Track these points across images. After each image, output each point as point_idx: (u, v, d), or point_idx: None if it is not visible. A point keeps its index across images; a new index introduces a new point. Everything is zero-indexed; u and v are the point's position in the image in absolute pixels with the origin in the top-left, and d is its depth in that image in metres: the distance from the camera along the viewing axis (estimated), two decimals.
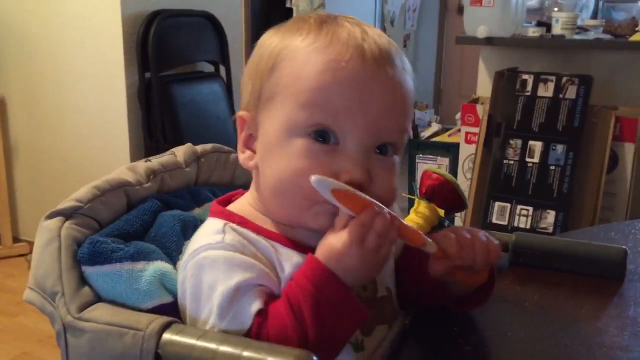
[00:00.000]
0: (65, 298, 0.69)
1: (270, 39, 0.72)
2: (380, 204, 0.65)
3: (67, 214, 0.74)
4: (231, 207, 0.76)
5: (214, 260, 0.67)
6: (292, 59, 0.69)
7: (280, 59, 0.69)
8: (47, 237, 0.72)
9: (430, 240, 0.69)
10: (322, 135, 0.67)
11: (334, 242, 0.65)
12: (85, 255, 0.70)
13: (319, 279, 0.64)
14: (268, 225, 0.72)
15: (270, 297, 0.66)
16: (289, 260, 0.69)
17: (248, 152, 0.74)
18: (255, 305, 0.64)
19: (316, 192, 0.64)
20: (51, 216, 0.74)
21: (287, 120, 0.68)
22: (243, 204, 0.76)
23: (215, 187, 0.93)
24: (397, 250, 0.80)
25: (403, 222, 0.68)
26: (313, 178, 0.63)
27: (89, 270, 0.71)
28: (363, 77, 0.66)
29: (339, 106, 0.66)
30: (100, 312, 0.68)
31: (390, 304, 0.76)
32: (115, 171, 0.83)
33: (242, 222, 0.71)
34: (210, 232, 0.70)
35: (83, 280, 0.71)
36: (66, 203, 0.75)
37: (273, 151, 0.70)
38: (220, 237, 0.68)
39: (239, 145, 0.75)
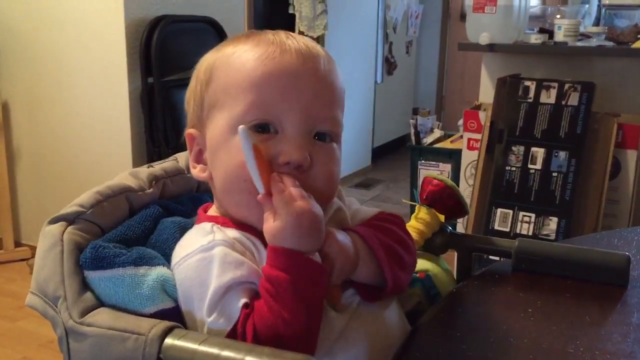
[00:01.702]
0: (68, 303, 0.69)
1: (205, 57, 0.78)
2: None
3: (70, 219, 0.75)
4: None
5: (209, 260, 0.68)
6: (225, 65, 0.74)
7: (215, 68, 0.75)
8: (49, 242, 0.73)
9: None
10: (261, 127, 0.71)
11: (274, 224, 0.67)
12: (87, 259, 0.71)
13: (285, 262, 0.65)
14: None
15: (257, 293, 0.67)
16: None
17: (199, 166, 0.78)
18: (242, 300, 0.66)
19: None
20: (54, 221, 0.75)
21: (228, 119, 0.72)
22: (213, 213, 0.79)
23: None
24: None
25: None
26: (241, 127, 0.68)
27: (91, 275, 0.71)
28: (291, 68, 0.71)
29: (273, 95, 0.70)
30: (102, 316, 0.68)
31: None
32: (118, 177, 0.83)
33: (225, 222, 0.74)
34: (200, 235, 0.72)
35: (85, 285, 0.71)
36: (69, 208, 0.76)
37: (219, 151, 0.74)
38: (211, 237, 0.71)
39: (190, 161, 0.80)
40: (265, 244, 0.71)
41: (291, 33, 0.76)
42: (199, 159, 0.78)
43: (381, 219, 0.81)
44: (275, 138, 0.71)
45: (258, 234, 0.72)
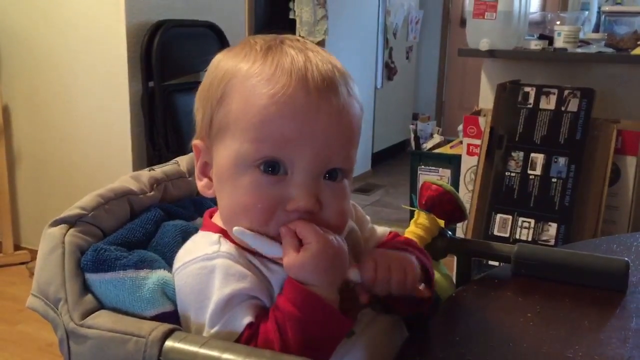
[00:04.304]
0: (69, 305, 0.69)
1: (221, 63, 0.74)
2: None
3: (72, 222, 0.75)
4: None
5: (210, 270, 0.68)
6: (239, 90, 0.70)
7: (229, 88, 0.71)
8: (51, 244, 0.73)
9: (355, 269, 0.71)
10: (271, 166, 0.68)
11: (299, 255, 0.66)
12: (89, 262, 0.71)
13: (302, 301, 0.65)
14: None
15: (262, 311, 0.67)
16: (276, 271, 0.70)
17: (205, 180, 0.76)
18: (247, 319, 0.65)
19: (267, 213, 0.68)
20: (55, 224, 0.75)
21: (236, 154, 0.69)
22: (219, 222, 0.77)
23: None
24: None
25: None
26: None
27: (92, 278, 0.71)
28: (307, 109, 0.67)
29: (284, 138, 0.67)
30: (103, 319, 0.68)
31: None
32: (119, 180, 0.84)
33: (231, 239, 0.73)
34: (206, 243, 0.72)
35: (86, 288, 0.71)
36: (70, 211, 0.76)
37: (225, 184, 0.72)
38: (216, 248, 0.70)
39: (197, 173, 0.78)
40: (270, 260, 0.71)
41: (312, 50, 0.72)
42: (205, 171, 0.76)
43: (406, 243, 0.83)
44: (285, 180, 0.68)
45: (260, 255, 0.71)
